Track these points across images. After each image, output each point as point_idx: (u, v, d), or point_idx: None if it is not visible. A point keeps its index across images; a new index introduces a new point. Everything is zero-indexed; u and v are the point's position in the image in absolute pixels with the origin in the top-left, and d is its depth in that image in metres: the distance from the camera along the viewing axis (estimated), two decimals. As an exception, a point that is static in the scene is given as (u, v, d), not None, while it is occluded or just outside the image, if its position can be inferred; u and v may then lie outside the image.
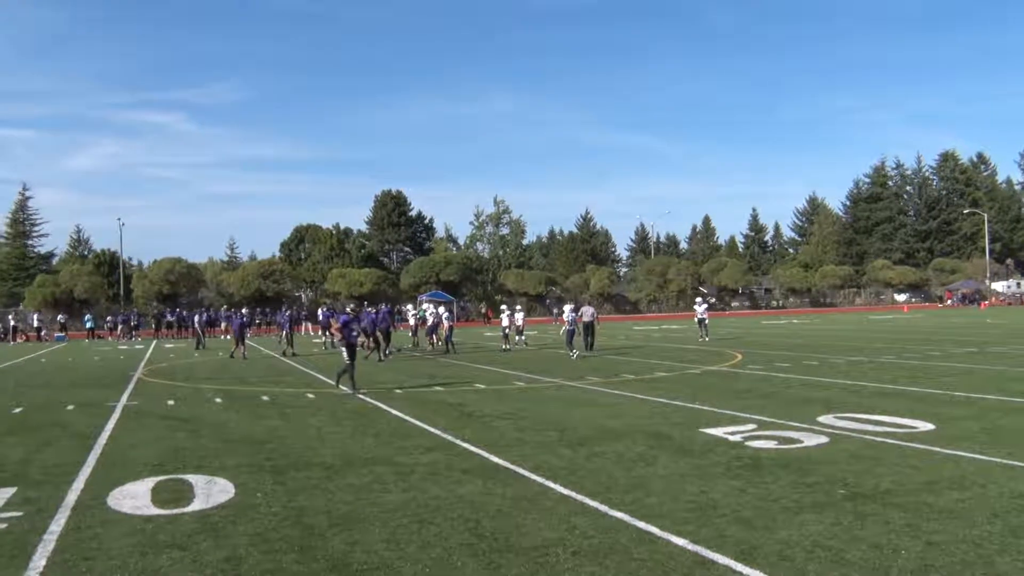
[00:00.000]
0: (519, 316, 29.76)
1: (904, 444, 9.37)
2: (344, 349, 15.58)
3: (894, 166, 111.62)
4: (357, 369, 16.29)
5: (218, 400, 15.13)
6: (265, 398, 15.33)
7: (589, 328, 28.54)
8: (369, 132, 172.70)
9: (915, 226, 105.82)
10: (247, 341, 27.51)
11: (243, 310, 38.02)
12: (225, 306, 44.84)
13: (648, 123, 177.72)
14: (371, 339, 28.16)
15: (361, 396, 15.10)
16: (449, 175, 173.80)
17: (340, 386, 14.59)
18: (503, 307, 31.29)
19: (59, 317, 54.46)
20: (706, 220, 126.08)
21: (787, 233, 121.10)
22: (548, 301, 77.07)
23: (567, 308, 26.20)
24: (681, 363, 20.95)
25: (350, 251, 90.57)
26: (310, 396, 15.52)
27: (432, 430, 11.15)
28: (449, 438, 10.49)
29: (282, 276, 67.68)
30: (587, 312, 29.22)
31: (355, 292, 66.92)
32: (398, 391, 16.09)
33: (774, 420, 11.21)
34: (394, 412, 13.02)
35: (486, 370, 20.81)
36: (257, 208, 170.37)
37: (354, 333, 14.82)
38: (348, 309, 15.26)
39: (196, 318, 38.28)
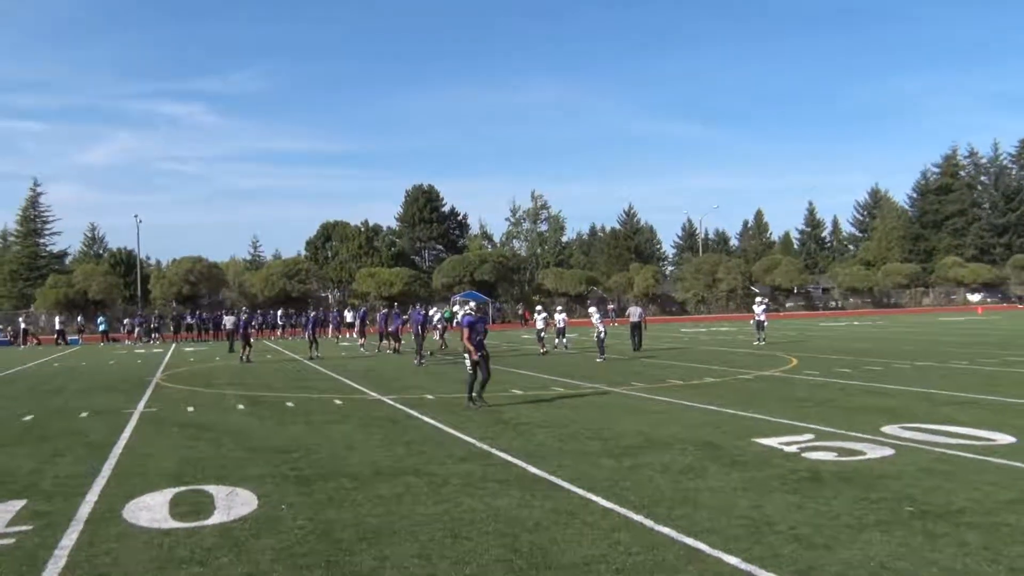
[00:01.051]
0: (560, 317, 29.75)
1: (981, 458, 9.16)
2: (467, 359, 14.32)
3: (967, 154, 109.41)
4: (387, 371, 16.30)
5: (240, 407, 15.31)
6: (290, 404, 15.48)
7: (636, 328, 28.76)
8: (399, 123, 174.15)
9: (991, 219, 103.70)
10: (251, 342, 27.78)
11: (243, 308, 38.51)
12: (243, 307, 45.44)
13: (697, 112, 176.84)
14: (399, 340, 28.38)
15: (398, 406, 15.16)
16: (484, 169, 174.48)
17: (472, 403, 14.11)
18: (538, 308, 31.32)
19: (78, 319, 55.58)
20: (758, 215, 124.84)
21: (847, 228, 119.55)
22: (589, 302, 76.89)
23: (593, 311, 26.07)
24: (732, 368, 20.80)
25: (379, 249, 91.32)
26: (338, 403, 15.63)
27: (466, 438, 11.18)
28: (484, 447, 10.51)
29: (308, 276, 68.39)
30: (634, 312, 29.71)
31: (384, 292, 67.47)
32: (429, 397, 16.18)
33: (834, 430, 11.06)
34: (426, 419, 13.08)
35: (523, 375, 20.81)
36: (281, 204, 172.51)
37: (478, 337, 14.09)
38: (468, 309, 14.90)
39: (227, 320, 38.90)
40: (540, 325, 29.05)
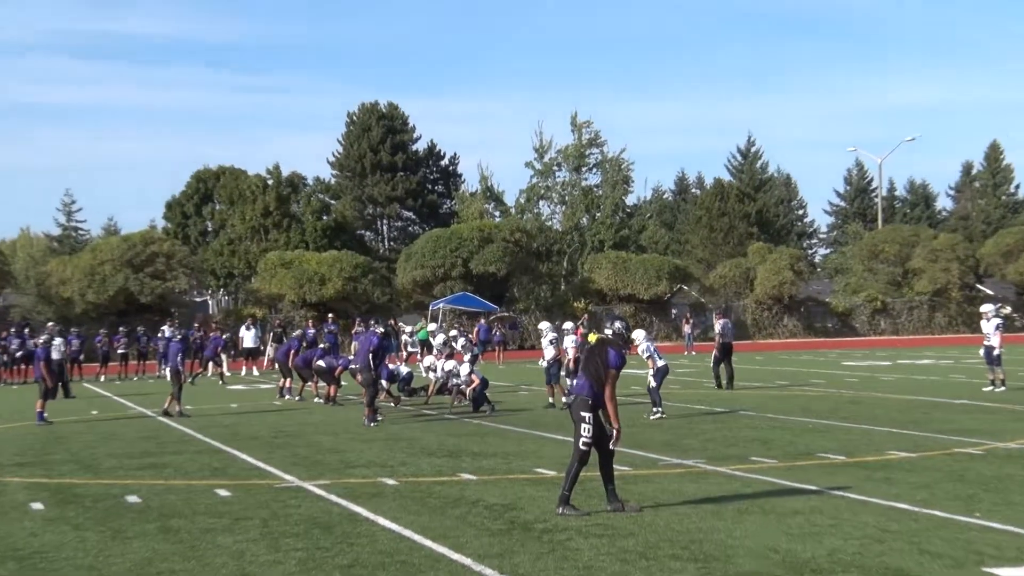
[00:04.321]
0: (569, 339, 29.63)
1: None
2: (584, 428, 13.53)
3: None
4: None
5: (37, 507, 15.20)
6: (133, 499, 15.38)
7: (728, 354, 29.06)
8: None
9: None
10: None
11: (53, 326, 38.54)
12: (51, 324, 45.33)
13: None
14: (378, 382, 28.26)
15: (334, 499, 15.06)
16: (486, 75, 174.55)
17: (570, 508, 13.75)
18: (543, 326, 30.86)
19: None
20: (992, 150, 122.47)
21: None
22: (675, 311, 76.60)
23: (641, 336, 25.65)
24: (940, 433, 20.77)
25: (301, 217, 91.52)
26: (223, 494, 15.57)
27: (455, 558, 11.17)
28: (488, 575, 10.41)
29: (171, 265, 68.41)
30: (726, 328, 30.04)
31: (312, 295, 67.28)
32: (389, 482, 16.18)
33: None
34: (383, 523, 13.06)
35: (554, 440, 20.69)
36: (118, 135, 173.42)
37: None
38: (617, 328, 14.27)
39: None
40: (549, 354, 28.97)
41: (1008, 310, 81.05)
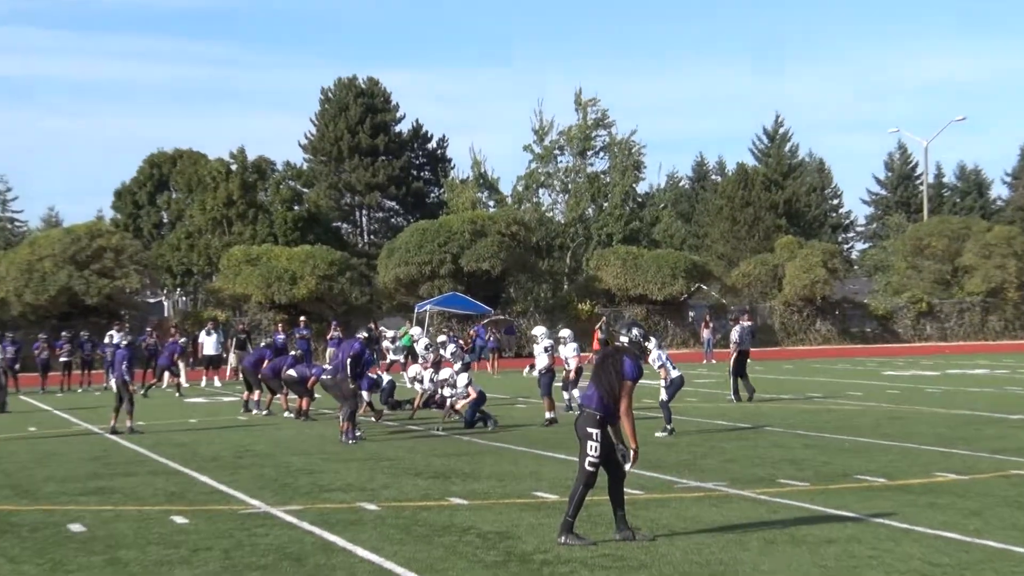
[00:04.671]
0: (571, 347, 29.69)
1: None
2: (592, 445, 13.47)
3: None
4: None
5: (-33, 536, 15.16)
6: (76, 528, 15.36)
7: (744, 361, 29.66)
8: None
9: None
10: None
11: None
12: None
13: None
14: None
15: (307, 526, 15.05)
16: (476, 49, 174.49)
17: (574, 536, 13.75)
18: (538, 332, 30.94)
19: None
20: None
21: None
22: (692, 313, 76.56)
23: (654, 346, 25.77)
24: (995, 454, 20.77)
25: (269, 208, 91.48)
26: (178, 521, 15.60)
27: (441, 599, 11.03)
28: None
29: (122, 261, 68.26)
30: (744, 333, 30.61)
31: (282, 296, 67.27)
32: (370, 507, 16.20)
33: None
34: (363, 555, 13.06)
35: (555, 459, 20.78)
36: (55, 115, 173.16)
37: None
38: (635, 335, 14.13)
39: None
40: (542, 363, 28.99)
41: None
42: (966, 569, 11.78)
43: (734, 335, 33.58)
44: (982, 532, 13.59)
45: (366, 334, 27.88)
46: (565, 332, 31.21)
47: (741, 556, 12.59)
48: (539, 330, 30.68)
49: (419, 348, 34.19)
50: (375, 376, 30.97)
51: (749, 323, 34.79)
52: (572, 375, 29.68)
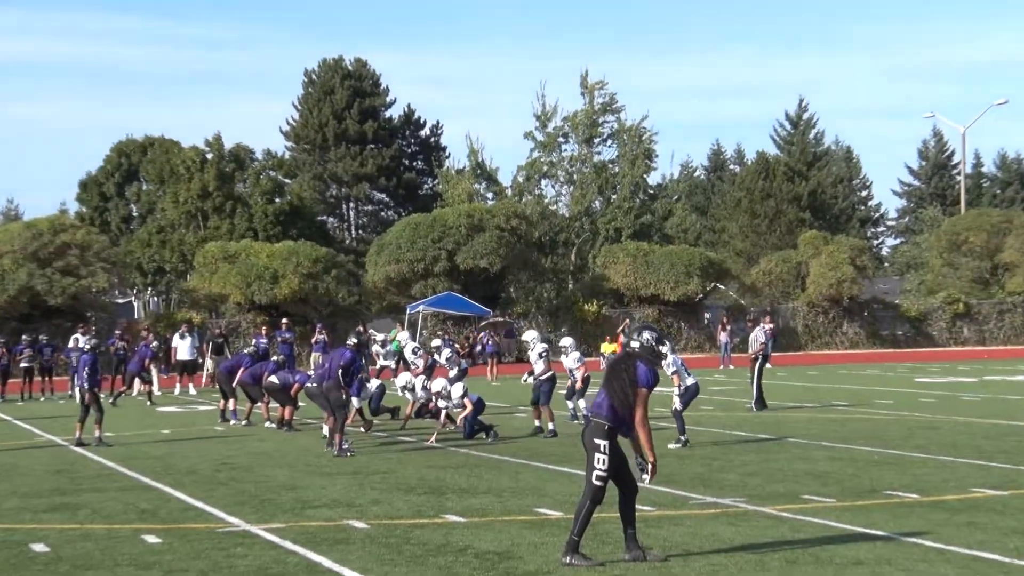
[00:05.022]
0: (573, 357, 29.70)
1: None
2: (600, 461, 13.52)
3: None
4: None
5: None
6: (39, 548, 15.40)
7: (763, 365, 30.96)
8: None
9: None
10: None
11: None
12: None
13: None
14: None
15: (289, 546, 15.09)
16: (473, 27, 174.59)
17: (581, 557, 13.75)
18: (530, 336, 30.98)
19: None
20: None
21: None
22: (708, 315, 76.62)
23: (668, 352, 25.85)
24: (1039, 467, 20.78)
25: (248, 201, 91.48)
26: (150, 540, 15.62)
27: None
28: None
29: (87, 258, 68.32)
30: (756, 340, 31.49)
31: (262, 296, 67.23)
32: (357, 525, 16.21)
33: None
34: (349, 575, 13.11)
35: (559, 472, 20.86)
36: (15, 98, 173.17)
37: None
38: (646, 339, 14.15)
39: None
40: (539, 369, 28.86)
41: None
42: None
43: (757, 338, 33.72)
44: (1023, 552, 13.62)
45: (355, 340, 27.79)
46: (567, 341, 31.14)
47: (747, 571, 12.66)
48: (530, 334, 30.68)
49: (407, 353, 34.17)
50: (364, 376, 30.87)
51: (771, 325, 34.96)
52: (579, 385, 29.70)
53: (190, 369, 48.02)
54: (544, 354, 29.08)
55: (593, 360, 41.12)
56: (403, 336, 38.29)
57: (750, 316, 51.57)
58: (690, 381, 25.65)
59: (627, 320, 62.40)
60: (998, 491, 18.04)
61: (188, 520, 17.23)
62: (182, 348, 48.00)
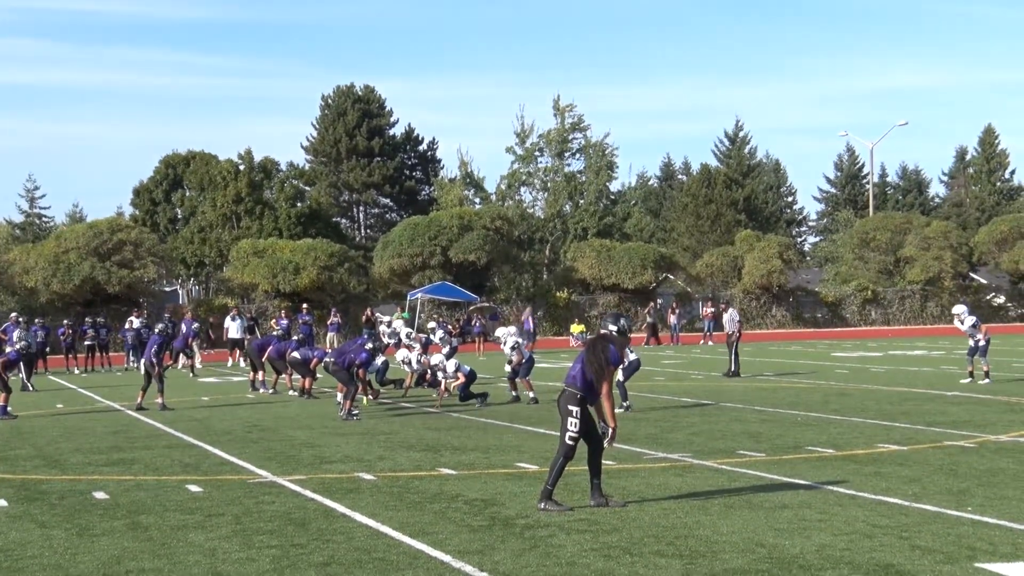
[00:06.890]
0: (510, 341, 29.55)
1: None
2: (571, 421, 13.53)
3: None
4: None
5: (0, 504, 15.19)
6: (100, 495, 15.34)
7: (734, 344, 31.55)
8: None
9: None
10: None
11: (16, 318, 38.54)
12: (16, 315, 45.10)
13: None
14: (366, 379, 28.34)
15: (309, 494, 15.03)
16: (464, 59, 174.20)
17: (554, 503, 13.64)
18: (500, 332, 30.30)
19: None
20: (987, 135, 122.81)
21: None
22: (659, 301, 76.69)
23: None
24: (932, 427, 20.82)
25: (274, 205, 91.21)
26: (194, 490, 15.57)
27: (435, 555, 11.16)
28: (468, 572, 10.47)
29: (138, 253, 68.09)
30: (733, 321, 31.97)
31: (286, 284, 67.15)
32: (367, 477, 16.18)
33: None
34: (360, 519, 13.06)
35: (535, 433, 20.76)
36: (80, 120, 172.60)
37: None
38: (614, 326, 14.06)
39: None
40: (509, 349, 28.47)
41: (1000, 298, 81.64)
42: (905, 531, 11.82)
43: (733, 318, 35.22)
44: (920, 497, 13.65)
45: (371, 346, 27.16)
46: (502, 331, 30.45)
47: (703, 520, 12.61)
48: (501, 331, 30.29)
49: (402, 336, 34.07)
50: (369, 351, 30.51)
51: (734, 310, 36.18)
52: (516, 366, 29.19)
53: (240, 345, 47.90)
54: (516, 346, 28.87)
55: (564, 339, 41.04)
56: (398, 324, 37.96)
57: (712, 301, 52.25)
58: (633, 357, 25.49)
59: (652, 304, 64.17)
60: (900, 446, 18.04)
61: (224, 473, 17.23)
62: (232, 328, 48.17)
